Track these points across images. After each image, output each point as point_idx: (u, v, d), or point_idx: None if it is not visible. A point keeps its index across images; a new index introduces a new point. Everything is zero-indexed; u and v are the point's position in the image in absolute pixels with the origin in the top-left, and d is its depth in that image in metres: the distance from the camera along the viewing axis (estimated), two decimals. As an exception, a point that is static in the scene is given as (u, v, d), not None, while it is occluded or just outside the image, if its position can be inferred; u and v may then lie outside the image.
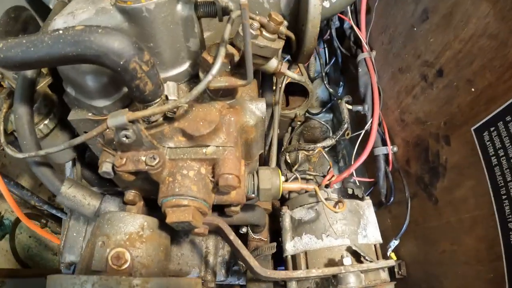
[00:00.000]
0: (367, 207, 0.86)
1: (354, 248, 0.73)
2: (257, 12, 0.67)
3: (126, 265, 0.54)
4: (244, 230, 0.87)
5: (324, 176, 1.00)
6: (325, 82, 1.24)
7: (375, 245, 0.82)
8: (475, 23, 0.69)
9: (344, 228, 0.77)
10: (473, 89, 0.75)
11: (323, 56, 1.39)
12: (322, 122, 1.22)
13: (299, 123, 1.32)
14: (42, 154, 0.58)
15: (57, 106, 0.76)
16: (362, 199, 0.87)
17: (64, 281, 0.49)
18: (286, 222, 0.85)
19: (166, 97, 0.56)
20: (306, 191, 0.88)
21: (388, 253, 1.08)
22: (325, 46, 1.38)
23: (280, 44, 0.63)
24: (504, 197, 0.69)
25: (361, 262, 0.71)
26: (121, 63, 0.47)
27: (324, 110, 1.50)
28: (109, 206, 0.72)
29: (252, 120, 0.64)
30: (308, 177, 1.03)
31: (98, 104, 0.60)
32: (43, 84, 0.71)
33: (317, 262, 0.76)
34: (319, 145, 1.06)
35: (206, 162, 0.58)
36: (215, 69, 0.48)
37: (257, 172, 0.62)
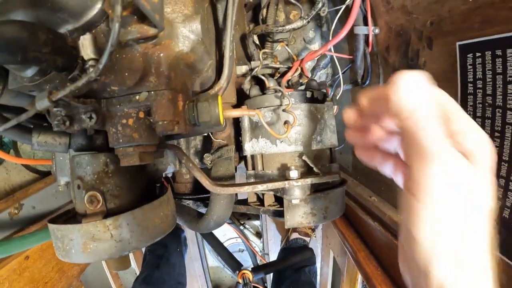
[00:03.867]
0: (327, 110, 0.83)
1: (304, 158, 0.77)
2: None
3: (99, 205, 0.64)
4: (205, 133, 0.87)
5: (289, 68, 0.94)
6: None
7: (330, 149, 0.84)
8: None
9: (297, 136, 0.77)
10: None
11: None
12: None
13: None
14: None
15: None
16: (322, 101, 0.86)
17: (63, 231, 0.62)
18: (245, 123, 0.84)
19: (83, 59, 0.49)
20: (265, 92, 0.84)
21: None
22: None
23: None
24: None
25: (311, 168, 0.77)
26: (19, 59, 0.41)
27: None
28: (78, 140, 0.74)
29: (186, 47, 0.57)
30: (271, 64, 0.95)
31: (25, 74, 0.52)
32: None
33: (271, 166, 0.82)
34: (288, 27, 0.93)
35: (142, 106, 0.56)
36: (106, 56, 0.40)
37: (196, 105, 0.59)
